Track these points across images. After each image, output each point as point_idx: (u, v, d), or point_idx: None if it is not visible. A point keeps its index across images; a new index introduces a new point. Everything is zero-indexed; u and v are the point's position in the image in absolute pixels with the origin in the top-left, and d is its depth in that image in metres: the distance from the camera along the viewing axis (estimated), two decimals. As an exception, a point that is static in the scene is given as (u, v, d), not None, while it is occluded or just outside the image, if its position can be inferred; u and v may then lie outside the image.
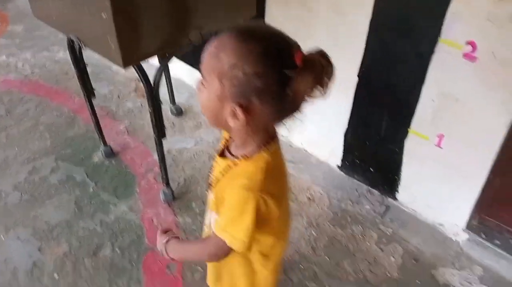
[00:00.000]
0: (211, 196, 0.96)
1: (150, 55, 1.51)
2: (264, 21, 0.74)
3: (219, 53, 0.74)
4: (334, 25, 1.66)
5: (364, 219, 1.87)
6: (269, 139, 0.85)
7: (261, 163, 0.82)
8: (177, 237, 1.00)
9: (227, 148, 0.93)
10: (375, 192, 1.95)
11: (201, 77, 0.80)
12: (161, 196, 1.95)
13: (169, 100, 2.49)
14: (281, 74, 0.71)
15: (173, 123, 2.45)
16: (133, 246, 1.77)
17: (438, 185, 1.71)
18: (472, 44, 1.35)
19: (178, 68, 2.54)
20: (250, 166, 0.83)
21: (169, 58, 1.60)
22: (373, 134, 1.80)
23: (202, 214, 1.88)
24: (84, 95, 1.96)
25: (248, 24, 0.83)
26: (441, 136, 1.58)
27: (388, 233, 1.82)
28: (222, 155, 0.93)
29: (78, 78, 1.91)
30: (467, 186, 1.62)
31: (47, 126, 2.40)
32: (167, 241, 0.98)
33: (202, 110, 0.83)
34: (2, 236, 1.81)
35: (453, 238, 1.76)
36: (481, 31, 1.32)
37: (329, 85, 0.75)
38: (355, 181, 2.01)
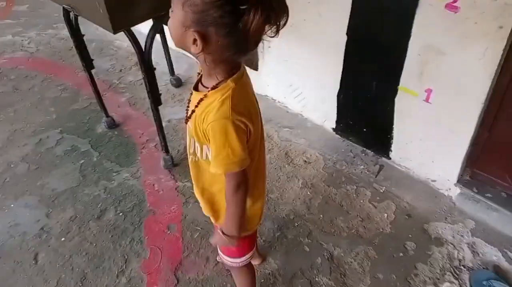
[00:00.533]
0: (189, 126, 1.02)
1: (140, 19, 1.55)
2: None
3: None
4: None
5: (358, 179, 1.91)
6: (234, 70, 0.91)
7: (227, 90, 0.90)
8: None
9: (200, 81, 0.99)
10: (369, 152, 1.98)
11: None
12: (162, 163, 2.01)
13: (168, 72, 2.54)
14: (234, 8, 0.77)
15: (173, 94, 2.50)
16: (135, 209, 1.84)
17: (429, 142, 1.73)
18: (453, -7, 1.35)
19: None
20: (218, 95, 0.90)
21: (160, 23, 1.63)
22: (364, 94, 1.82)
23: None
24: (83, 66, 2.02)
25: None
26: (429, 91, 1.60)
27: (382, 191, 1.85)
28: (196, 89, 0.99)
29: (75, 49, 1.97)
30: (457, 141, 1.64)
31: (52, 101, 2.48)
32: (221, 232, 1.08)
33: (171, 34, 0.89)
34: (11, 203, 1.90)
35: (446, 193, 1.79)
36: (463, -20, 1.32)
37: (281, 25, 0.80)
38: (350, 142, 2.04)
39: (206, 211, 1.18)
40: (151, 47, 1.67)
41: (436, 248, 1.64)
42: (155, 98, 1.79)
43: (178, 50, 2.62)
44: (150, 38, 1.64)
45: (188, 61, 2.65)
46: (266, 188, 1.60)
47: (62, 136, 2.24)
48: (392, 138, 1.84)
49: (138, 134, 2.24)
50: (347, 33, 1.72)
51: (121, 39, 2.89)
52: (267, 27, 0.80)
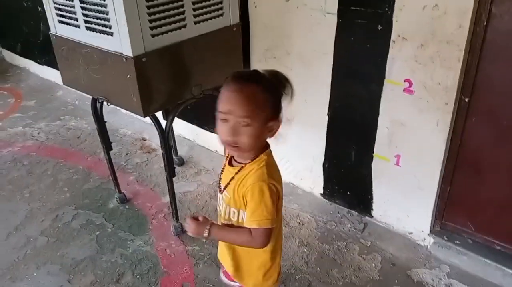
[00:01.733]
0: (226, 195, 1.25)
1: (163, 106, 1.91)
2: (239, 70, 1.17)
3: (252, 96, 1.09)
4: (305, 77, 2.10)
5: (347, 236, 2.19)
6: (266, 145, 1.21)
7: (262, 161, 1.17)
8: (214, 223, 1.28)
9: (231, 159, 1.27)
10: (354, 212, 2.29)
11: (243, 121, 1.08)
12: (172, 230, 2.26)
13: (172, 153, 2.87)
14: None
15: (177, 172, 2.80)
16: (151, 271, 2.05)
17: (402, 199, 2.06)
18: (408, 81, 1.78)
19: (177, 125, 2.94)
20: (255, 166, 1.16)
21: (177, 110, 1.99)
22: (345, 162, 2.18)
23: (208, 243, 2.19)
24: (104, 147, 2.33)
25: (239, 73, 1.19)
26: (398, 157, 1.97)
27: (368, 245, 2.13)
28: (230, 164, 1.26)
29: (98, 133, 2.30)
30: (425, 197, 1.98)
31: (65, 182, 2.73)
32: (210, 225, 1.24)
33: (244, 145, 1.11)
34: (33, 272, 2.07)
35: (422, 243, 2.08)
36: (413, 70, 1.75)
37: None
38: (336, 205, 2.35)
39: (229, 267, 1.37)
40: (171, 126, 2.01)
41: (419, 291, 1.89)
42: (171, 170, 2.09)
43: (178, 134, 2.98)
44: (170, 120, 1.99)
45: (188, 143, 3.01)
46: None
47: (77, 212, 2.46)
48: (372, 199, 2.17)
49: (147, 207, 2.49)
50: (328, 114, 2.12)
51: (126, 127, 3.27)
52: None
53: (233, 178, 1.20)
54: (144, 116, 1.84)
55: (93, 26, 1.78)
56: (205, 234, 1.22)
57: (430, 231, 2.04)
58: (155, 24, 1.72)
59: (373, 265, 2.03)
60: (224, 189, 1.25)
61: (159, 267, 2.07)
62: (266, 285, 1.36)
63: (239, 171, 1.19)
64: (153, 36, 1.73)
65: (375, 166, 2.07)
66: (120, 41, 1.69)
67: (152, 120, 1.94)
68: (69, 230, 2.33)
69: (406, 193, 2.03)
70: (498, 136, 1.73)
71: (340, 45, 1.92)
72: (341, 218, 2.30)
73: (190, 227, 1.24)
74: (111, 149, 2.39)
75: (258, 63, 2.26)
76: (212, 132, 2.80)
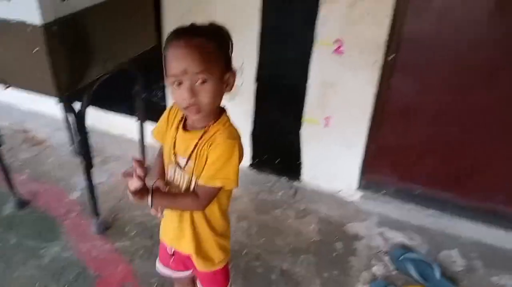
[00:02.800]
0: (190, 165, 1.11)
1: (77, 84, 1.62)
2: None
3: (203, 47, 0.98)
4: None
5: (280, 203, 2.20)
6: (222, 108, 1.11)
7: (226, 121, 1.08)
8: (157, 188, 1.13)
9: (185, 124, 1.13)
10: (283, 179, 2.30)
11: (199, 77, 0.98)
12: (93, 229, 1.99)
13: (70, 143, 2.51)
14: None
15: (79, 163, 2.46)
16: (80, 278, 1.78)
17: (331, 160, 2.13)
18: (339, 41, 1.81)
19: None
20: (220, 126, 1.06)
21: (91, 89, 1.72)
22: (274, 130, 2.16)
23: (137, 235, 1.99)
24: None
25: (183, 28, 1.04)
26: (328, 118, 2.01)
27: (302, 209, 2.17)
28: (185, 130, 1.12)
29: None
30: (353, 154, 2.08)
31: None
32: (153, 193, 1.09)
33: (206, 104, 1.01)
34: None
35: (350, 199, 2.19)
36: (343, 30, 1.78)
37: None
38: (265, 175, 2.33)
39: (188, 248, 1.23)
40: (85, 111, 1.73)
41: (358, 243, 2.00)
42: (88, 162, 1.82)
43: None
44: (86, 101, 1.70)
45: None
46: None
47: (-39, 229, 2.01)
48: (301, 164, 2.20)
49: (53, 208, 2.15)
50: (256, 81, 2.06)
51: (0, 119, 2.75)
52: None
53: (196, 144, 1.08)
54: (58, 97, 1.54)
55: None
56: (149, 203, 1.08)
57: (358, 187, 2.15)
58: (63, -14, 1.43)
59: (311, 227, 2.07)
60: (188, 160, 1.10)
61: (88, 272, 1.81)
62: (226, 257, 1.30)
63: (202, 135, 1.08)
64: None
65: (305, 130, 2.09)
66: (22, 7, 1.37)
67: (64, 102, 1.64)
68: (-43, 250, 1.89)
69: (334, 153, 2.10)
70: (419, 90, 1.89)
71: (268, 7, 1.85)
72: (272, 186, 2.29)
73: (132, 185, 1.08)
74: (2, 143, 1.98)
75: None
76: (116, 112, 2.52)
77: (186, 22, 2.01)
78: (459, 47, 1.77)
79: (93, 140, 2.58)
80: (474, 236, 2.01)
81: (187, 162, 1.11)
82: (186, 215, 1.18)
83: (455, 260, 1.92)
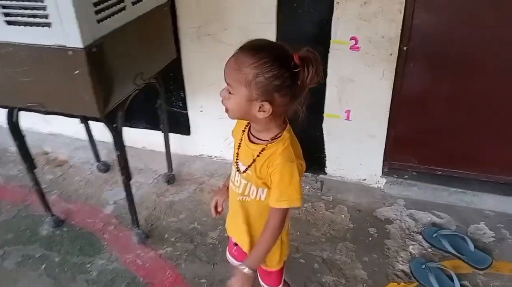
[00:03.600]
0: (248, 173, 1.19)
1: (116, 102, 1.69)
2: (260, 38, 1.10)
3: (241, 68, 1.01)
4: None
5: (309, 197, 2.28)
6: (284, 122, 1.17)
7: (285, 141, 1.13)
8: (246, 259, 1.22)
9: (250, 135, 1.20)
10: (308, 174, 2.38)
11: (228, 88, 1.06)
12: (134, 239, 2.04)
13: (94, 160, 2.56)
14: (290, 72, 1.01)
15: (105, 179, 2.51)
16: (131, 287, 1.84)
17: (354, 151, 2.22)
18: (354, 38, 1.90)
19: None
20: (279, 146, 1.11)
21: (124, 105, 1.78)
22: (296, 128, 2.23)
23: (178, 241, 2.05)
24: (27, 167, 1.97)
25: (250, 41, 1.06)
26: (348, 112, 2.10)
27: (331, 200, 2.26)
28: (250, 140, 1.20)
29: (19, 151, 1.92)
30: (375, 144, 2.17)
31: (-32, 222, 2.23)
32: (243, 268, 1.18)
33: (230, 112, 1.09)
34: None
35: (376, 186, 2.29)
36: (358, 27, 1.88)
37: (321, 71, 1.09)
38: (289, 171, 2.41)
39: (245, 245, 1.31)
40: (122, 124, 1.79)
41: (389, 226, 2.09)
42: (127, 174, 1.88)
43: (96, 138, 2.67)
44: (121, 116, 1.76)
45: (107, 146, 2.70)
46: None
47: (4, 251, 2.05)
48: (325, 157, 2.29)
49: (90, 224, 2.20)
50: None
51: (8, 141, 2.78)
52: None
53: (254, 160, 1.16)
54: (101, 116, 1.60)
55: (17, 19, 1.46)
56: (245, 270, 1.19)
57: (382, 174, 2.25)
58: (99, 7, 1.50)
59: (343, 216, 2.16)
60: (247, 169, 1.19)
61: (138, 281, 1.87)
62: (279, 263, 1.36)
63: (261, 152, 1.15)
64: (98, 21, 1.51)
65: (326, 125, 2.18)
66: (62, 32, 1.43)
67: (103, 121, 1.70)
68: (5, 272, 1.93)
69: (357, 144, 2.19)
70: (432, 76, 1.99)
71: (283, 12, 1.94)
72: (297, 182, 2.37)
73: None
74: (36, 167, 2.03)
75: (190, 43, 2.15)
76: (135, 127, 2.58)
77: (204, 34, 2.12)
78: (465, 33, 1.89)
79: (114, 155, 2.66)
80: (497, 208, 2.11)
81: (245, 170, 1.19)
82: (244, 217, 1.26)
83: (484, 231, 2.02)
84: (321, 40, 1.95)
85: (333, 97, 2.09)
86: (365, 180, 2.30)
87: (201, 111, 2.36)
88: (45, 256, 2.01)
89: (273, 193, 1.14)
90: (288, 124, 1.17)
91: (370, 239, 2.03)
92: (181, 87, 2.33)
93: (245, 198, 1.23)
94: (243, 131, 1.23)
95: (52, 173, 2.58)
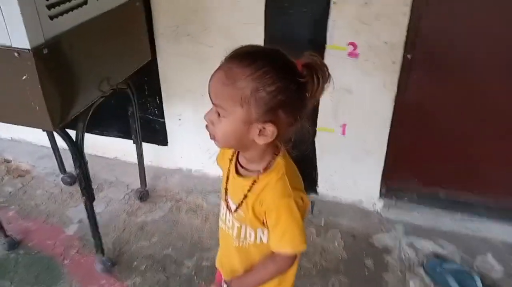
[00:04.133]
0: (240, 214, 0.98)
1: (73, 112, 1.43)
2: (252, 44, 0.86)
3: (235, 82, 0.80)
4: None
5: (298, 219, 2.04)
6: (277, 146, 0.93)
7: (279, 170, 0.91)
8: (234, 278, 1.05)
9: (238, 166, 0.98)
10: (297, 193, 2.14)
11: (216, 109, 0.84)
12: (98, 267, 1.78)
13: (58, 171, 2.29)
14: (296, 83, 0.81)
15: (71, 193, 2.24)
16: (91, 327, 1.58)
17: (349, 169, 1.99)
18: (352, 44, 1.67)
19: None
20: (273, 176, 0.90)
21: (87, 115, 1.53)
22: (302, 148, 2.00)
23: (148, 270, 1.80)
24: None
25: (241, 48, 0.85)
26: (344, 126, 1.87)
27: (322, 224, 2.02)
28: (237, 173, 0.97)
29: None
30: (373, 161, 1.94)
31: None
32: (229, 283, 1.02)
33: (221, 139, 0.87)
34: None
35: (372, 208, 2.06)
36: (357, 31, 1.65)
37: (330, 77, 0.87)
38: (277, 189, 2.17)
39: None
40: (83, 139, 1.54)
41: (388, 256, 1.86)
42: (90, 195, 1.62)
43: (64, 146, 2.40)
44: (81, 129, 1.51)
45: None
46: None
47: None
48: (317, 175, 2.05)
49: (49, 246, 1.93)
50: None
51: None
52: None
53: (246, 196, 0.94)
54: (54, 130, 1.35)
55: None
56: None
57: (380, 195, 2.02)
58: (52, 1, 1.24)
59: (336, 243, 1.93)
60: (237, 208, 0.97)
61: (100, 318, 1.62)
62: None
63: (251, 186, 0.93)
64: (51, 18, 1.26)
65: (319, 140, 1.95)
66: (6, 30, 1.17)
67: (60, 135, 1.44)
68: None
69: (353, 161, 1.96)
70: (438, 87, 1.77)
71: (272, 12, 1.70)
72: (286, 202, 2.13)
73: None
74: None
75: (167, 44, 1.89)
76: (106, 135, 2.32)
77: (182, 34, 1.87)
78: (475, 44, 1.67)
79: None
80: (507, 238, 1.90)
81: (236, 209, 0.98)
82: (243, 263, 1.05)
83: (492, 265, 1.80)
84: (315, 45, 1.72)
85: (327, 109, 1.86)
86: (361, 201, 2.07)
87: (180, 119, 2.11)
88: (-6, 285, 1.74)
89: (272, 237, 0.94)
90: (282, 149, 0.94)
91: (366, 272, 1.80)
92: (157, 93, 2.08)
93: (243, 243, 1.02)
94: (230, 160, 1.00)
95: (12, 185, 2.31)
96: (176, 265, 1.82)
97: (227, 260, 1.12)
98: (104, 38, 1.52)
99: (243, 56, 0.82)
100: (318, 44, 1.71)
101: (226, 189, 1.01)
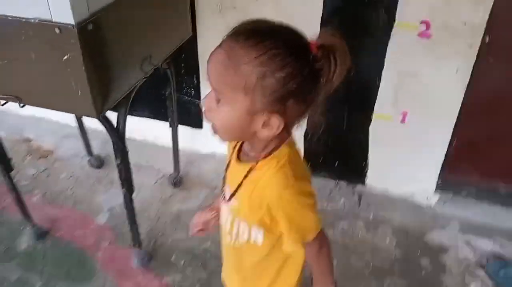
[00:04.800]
0: (234, 204, 0.87)
1: (117, 97, 1.26)
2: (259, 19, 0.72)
3: (238, 65, 0.67)
4: None
5: (345, 213, 1.90)
6: (287, 132, 0.79)
7: (282, 158, 0.77)
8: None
9: (239, 150, 0.86)
10: (343, 183, 1.99)
11: (215, 95, 0.73)
12: (134, 262, 1.65)
13: (82, 152, 2.14)
14: (310, 68, 0.68)
15: (98, 178, 2.10)
16: (130, 328, 1.46)
17: (405, 160, 1.82)
18: (426, 23, 1.48)
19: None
20: (273, 164, 0.77)
21: (129, 99, 1.36)
22: (335, 129, 1.84)
23: (188, 265, 1.67)
24: (2, 170, 1.55)
25: (246, 24, 0.71)
26: (404, 114, 1.70)
27: (371, 218, 1.87)
28: (238, 159, 0.86)
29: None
30: (432, 153, 1.77)
31: None
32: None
33: (220, 131, 0.76)
34: None
35: (426, 203, 1.90)
36: (432, 9, 1.45)
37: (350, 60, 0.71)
38: (320, 178, 2.01)
39: None
40: (125, 126, 1.37)
41: (444, 256, 1.72)
42: (129, 187, 1.47)
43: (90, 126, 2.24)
44: (124, 115, 1.34)
45: (99, 135, 2.26)
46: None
47: (-28, 270, 1.65)
48: (367, 165, 1.89)
49: (79, 237, 1.80)
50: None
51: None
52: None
53: (240, 184, 0.83)
54: (97, 117, 1.18)
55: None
56: None
57: (435, 189, 1.86)
58: (97, -32, 1.06)
59: (387, 240, 1.79)
60: (231, 197, 0.86)
61: (139, 318, 1.50)
62: None
63: (248, 172, 0.81)
64: (95, -11, 1.07)
65: (374, 127, 1.78)
66: (46, 1, 0.99)
67: (102, 122, 1.27)
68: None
69: (409, 151, 1.80)
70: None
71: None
72: (330, 193, 1.98)
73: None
74: (12, 168, 1.60)
75: (210, 18, 1.70)
76: (136, 115, 2.15)
77: (228, 6, 1.67)
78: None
79: (111, 148, 2.23)
80: None
81: (230, 198, 0.87)
82: (236, 266, 0.98)
83: (562, 269, 1.66)
84: (381, 21, 1.52)
85: (387, 95, 1.68)
86: (412, 194, 1.91)
87: (218, 101, 1.93)
88: (24, 279, 1.62)
89: (288, 236, 0.82)
90: (291, 136, 0.81)
91: (423, 273, 1.66)
92: (195, 72, 1.90)
93: (234, 241, 0.91)
94: (234, 147, 0.88)
95: (35, 166, 2.16)
96: (216, 261, 1.68)
97: (225, 266, 1.05)
98: (146, 12, 1.33)
99: (249, 34, 0.69)
100: (385, 22, 1.51)
101: (223, 179, 0.90)
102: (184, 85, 1.95)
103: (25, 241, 1.76)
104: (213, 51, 0.72)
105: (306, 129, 1.70)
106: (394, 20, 1.50)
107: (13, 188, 1.64)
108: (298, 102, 0.71)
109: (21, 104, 1.21)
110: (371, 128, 1.78)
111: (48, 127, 2.37)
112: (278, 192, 0.76)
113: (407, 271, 1.66)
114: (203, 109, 0.77)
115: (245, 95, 0.69)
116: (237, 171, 0.84)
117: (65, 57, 1.05)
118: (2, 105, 1.29)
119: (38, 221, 1.80)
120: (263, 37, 0.68)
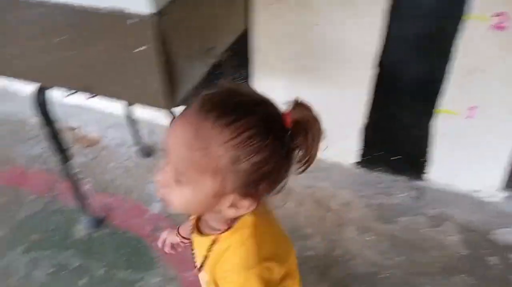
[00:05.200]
0: (205, 275, 0.81)
1: (188, 88, 1.23)
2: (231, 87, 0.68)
3: (209, 146, 0.61)
4: (343, 22, 1.57)
5: (405, 208, 1.84)
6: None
7: (246, 229, 0.71)
8: None
9: (198, 220, 0.81)
10: (401, 178, 1.93)
11: (174, 173, 0.65)
12: (194, 252, 1.62)
13: (131, 142, 2.11)
14: (287, 149, 0.64)
15: (148, 168, 2.07)
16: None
17: (470, 156, 1.76)
18: (501, 14, 1.40)
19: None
20: (236, 235, 0.72)
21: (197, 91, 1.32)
22: (395, 123, 1.78)
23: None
24: (62, 158, 1.52)
25: (217, 95, 0.65)
26: (472, 109, 1.63)
27: (433, 214, 1.81)
28: (198, 230, 0.80)
29: (51, 139, 1.48)
30: (500, 149, 1.70)
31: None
32: None
33: (177, 207, 0.70)
34: None
35: (491, 200, 1.84)
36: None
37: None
38: (377, 173, 1.96)
39: None
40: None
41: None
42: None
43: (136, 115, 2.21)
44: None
45: (145, 125, 2.22)
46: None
47: (31, 257, 1.64)
48: (427, 160, 1.84)
49: (136, 226, 1.77)
50: (378, 66, 1.66)
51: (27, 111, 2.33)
52: None
53: (206, 257, 0.77)
54: (169, 109, 1.15)
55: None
56: None
57: (502, 186, 1.80)
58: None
59: (453, 237, 1.73)
60: (201, 268, 0.81)
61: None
62: None
63: (211, 245, 0.75)
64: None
65: (438, 122, 1.72)
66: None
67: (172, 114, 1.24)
68: (35, 285, 1.52)
69: (475, 146, 1.73)
70: None
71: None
72: (388, 188, 1.92)
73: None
74: (70, 158, 1.58)
75: (267, 8, 1.64)
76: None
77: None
78: None
79: (159, 138, 2.21)
80: None
81: (200, 270, 0.82)
82: None
83: None
84: (450, 14, 1.46)
85: (454, 89, 1.61)
86: (476, 191, 1.85)
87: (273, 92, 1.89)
88: (84, 267, 1.60)
89: None
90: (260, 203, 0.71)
91: (491, 271, 1.60)
92: (245, 64, 1.85)
93: None
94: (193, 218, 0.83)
95: (83, 155, 2.14)
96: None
97: None
98: (209, 2, 1.29)
99: (221, 111, 0.61)
100: (455, 14, 1.45)
101: (193, 249, 0.85)
102: (233, 78, 1.91)
103: (81, 229, 1.74)
104: (175, 124, 0.65)
105: (368, 122, 1.65)
106: (462, 14, 1.44)
107: (72, 177, 1.61)
108: (271, 183, 0.67)
109: (92, 95, 1.18)
110: (435, 123, 1.72)
111: (92, 116, 2.35)
112: (235, 269, 0.71)
113: (475, 268, 1.61)
114: (157, 184, 0.70)
115: (213, 179, 0.63)
116: (199, 241, 0.80)
117: (138, 49, 1.02)
118: (67, 96, 1.27)
119: (92, 210, 1.78)
120: (237, 115, 0.61)
